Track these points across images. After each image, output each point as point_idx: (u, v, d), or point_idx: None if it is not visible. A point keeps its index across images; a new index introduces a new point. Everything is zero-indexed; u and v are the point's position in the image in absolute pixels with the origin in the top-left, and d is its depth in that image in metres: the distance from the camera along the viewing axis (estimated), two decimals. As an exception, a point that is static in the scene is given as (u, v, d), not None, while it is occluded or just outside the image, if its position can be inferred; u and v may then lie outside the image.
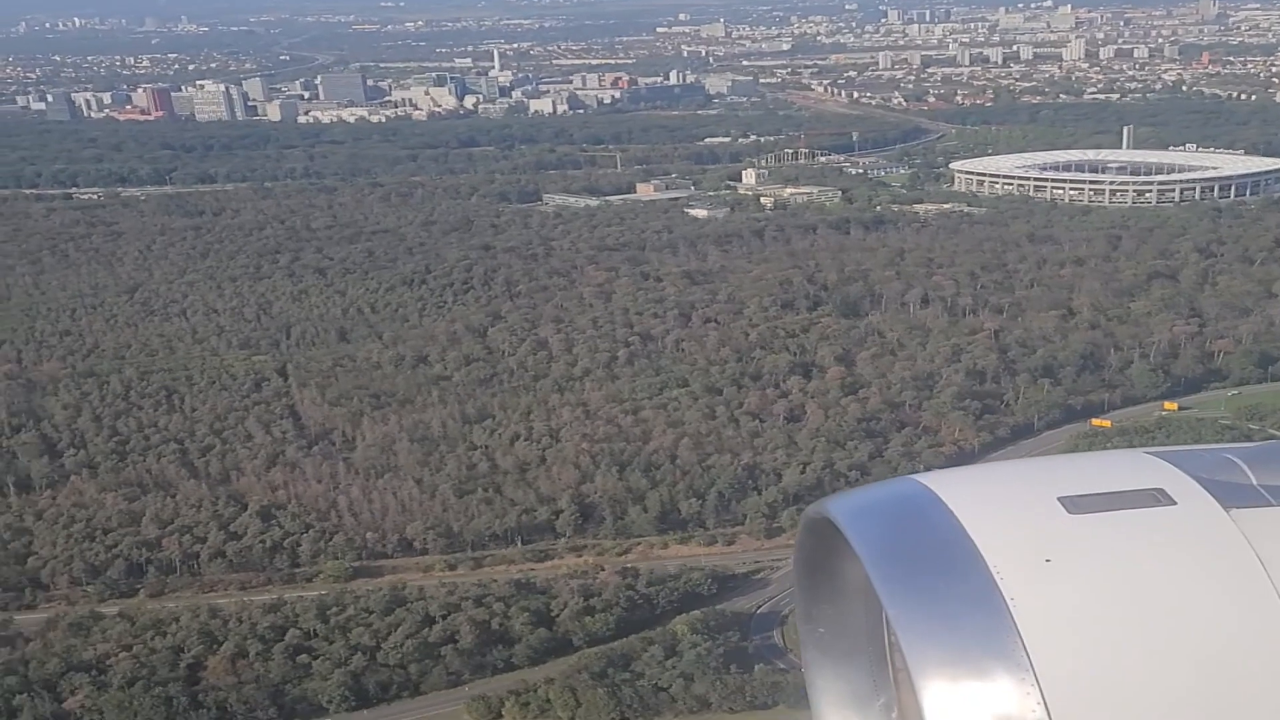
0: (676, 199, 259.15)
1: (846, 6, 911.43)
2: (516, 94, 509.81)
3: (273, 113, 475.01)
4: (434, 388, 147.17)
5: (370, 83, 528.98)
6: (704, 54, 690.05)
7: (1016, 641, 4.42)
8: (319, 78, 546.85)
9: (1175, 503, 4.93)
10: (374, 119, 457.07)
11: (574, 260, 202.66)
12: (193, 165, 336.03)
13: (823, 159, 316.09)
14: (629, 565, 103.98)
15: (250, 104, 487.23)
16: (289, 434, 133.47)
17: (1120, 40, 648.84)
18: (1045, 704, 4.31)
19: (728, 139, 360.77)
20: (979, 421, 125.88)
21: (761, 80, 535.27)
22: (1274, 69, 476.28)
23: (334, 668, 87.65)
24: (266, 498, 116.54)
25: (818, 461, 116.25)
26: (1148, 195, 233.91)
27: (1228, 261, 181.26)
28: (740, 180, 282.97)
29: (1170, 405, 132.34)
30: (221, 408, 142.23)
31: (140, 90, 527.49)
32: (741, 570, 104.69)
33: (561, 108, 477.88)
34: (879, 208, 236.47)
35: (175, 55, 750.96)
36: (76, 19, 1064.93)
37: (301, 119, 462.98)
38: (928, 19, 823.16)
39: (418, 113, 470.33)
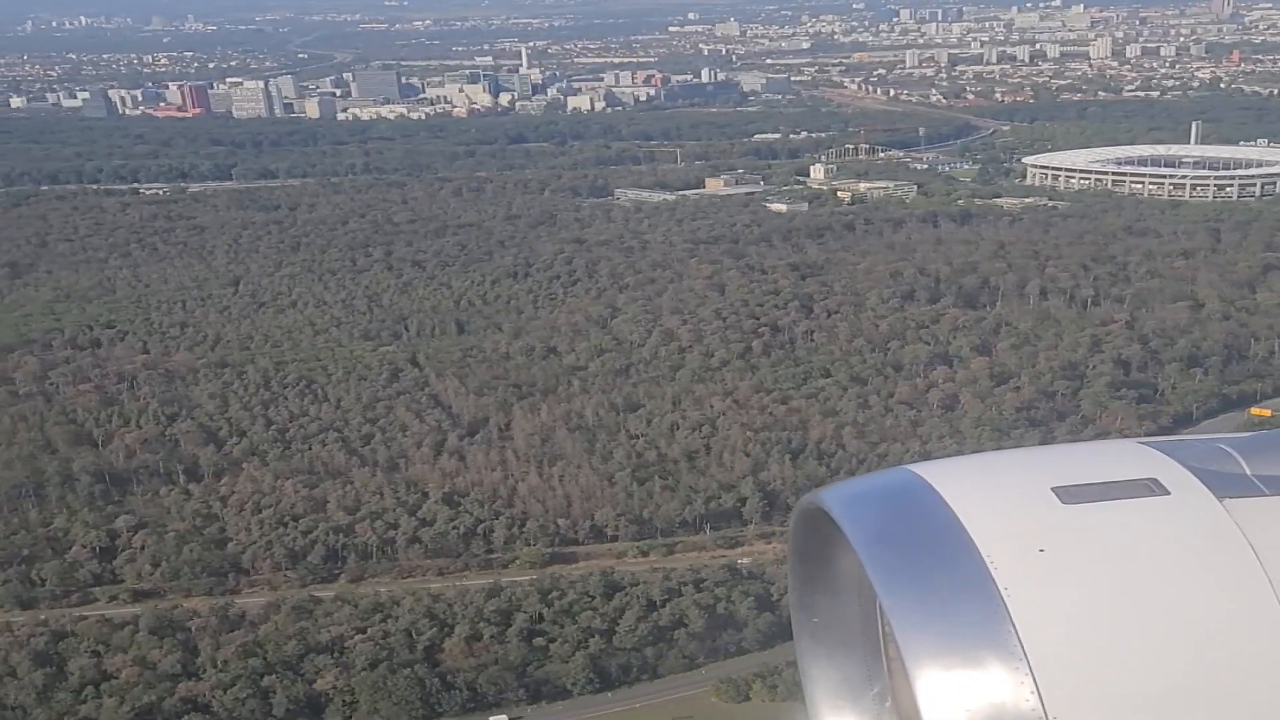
0: (752, 193, 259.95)
1: (854, 5, 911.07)
2: (551, 91, 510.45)
3: (311, 110, 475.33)
4: (571, 378, 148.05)
5: (403, 80, 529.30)
6: (724, 52, 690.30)
7: (1010, 631, 4.45)
8: (347, 75, 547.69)
9: (1169, 492, 4.97)
10: (414, 116, 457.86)
11: (670, 253, 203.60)
12: (250, 161, 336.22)
13: (882, 155, 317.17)
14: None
15: (285, 101, 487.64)
16: (445, 423, 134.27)
17: (1141, 39, 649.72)
18: (1039, 693, 4.35)
19: (777, 135, 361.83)
20: (1137, 411, 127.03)
21: (792, 79, 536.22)
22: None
23: (573, 650, 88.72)
24: (446, 484, 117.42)
25: (990, 450, 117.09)
26: (1228, 190, 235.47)
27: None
28: (808, 175, 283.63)
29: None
30: (367, 397, 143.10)
31: (174, 87, 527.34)
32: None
33: (599, 105, 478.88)
34: (960, 202, 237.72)
35: (191, 53, 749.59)
36: (83, 18, 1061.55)
37: (340, 116, 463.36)
38: (939, 18, 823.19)
39: (457, 110, 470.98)
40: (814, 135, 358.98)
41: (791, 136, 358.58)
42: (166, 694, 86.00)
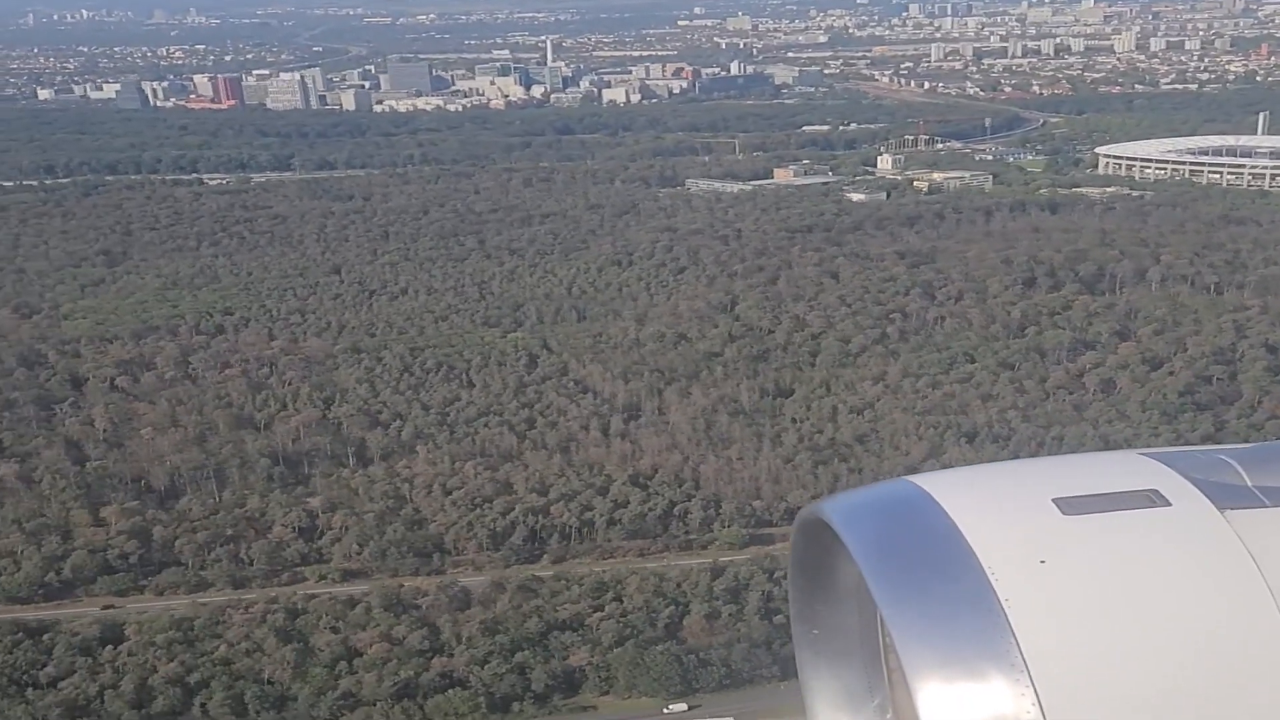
0: (826, 184, 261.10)
1: (859, 1, 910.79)
2: (584, 84, 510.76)
3: (347, 102, 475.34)
4: (710, 364, 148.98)
5: (433, 73, 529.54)
6: (742, 46, 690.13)
7: (1011, 642, 4.45)
8: (368, 67, 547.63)
9: (1170, 504, 4.99)
10: (451, 108, 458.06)
11: (768, 242, 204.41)
12: (304, 153, 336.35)
13: (939, 146, 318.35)
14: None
15: (318, 94, 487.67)
16: (602, 407, 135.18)
17: (1159, 34, 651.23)
18: (1040, 705, 4.35)
19: (826, 127, 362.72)
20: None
21: (824, 72, 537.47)
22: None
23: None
24: (627, 467, 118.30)
25: (1167, 433, 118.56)
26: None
27: None
28: (875, 166, 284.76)
29: None
30: (513, 382, 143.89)
31: (204, 79, 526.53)
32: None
33: (634, 97, 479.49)
34: (1042, 191, 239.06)
35: (204, 46, 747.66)
36: (84, 11, 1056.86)
37: (376, 108, 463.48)
38: (949, 13, 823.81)
39: (495, 102, 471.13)
40: (864, 127, 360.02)
41: (841, 128, 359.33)
42: (421, 669, 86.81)
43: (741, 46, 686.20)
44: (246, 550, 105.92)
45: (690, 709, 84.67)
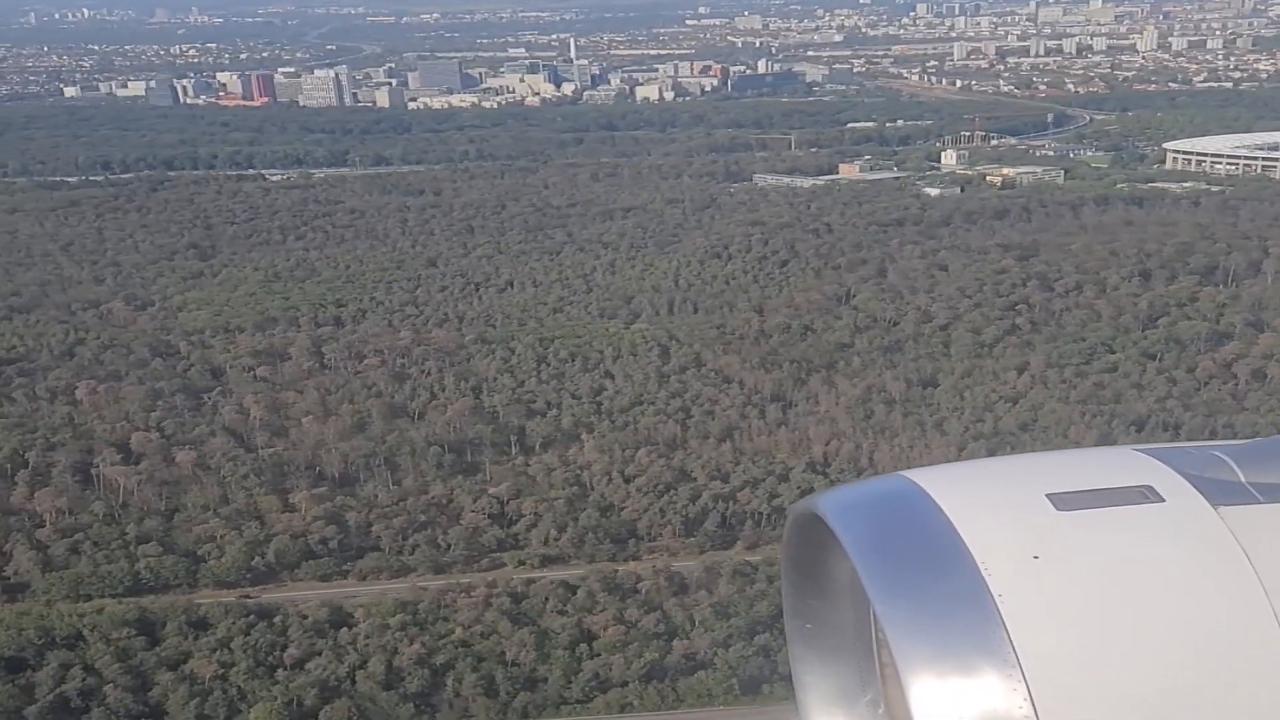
0: (898, 178, 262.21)
1: (861, 1, 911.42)
2: (614, 81, 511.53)
3: (380, 99, 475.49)
4: (844, 355, 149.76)
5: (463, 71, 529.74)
6: (759, 45, 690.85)
7: (1004, 638, 4.47)
8: (390, 65, 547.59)
9: (1163, 500, 5.00)
10: (486, 105, 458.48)
11: (862, 235, 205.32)
12: (359, 148, 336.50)
13: (994, 142, 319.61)
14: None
15: (352, 92, 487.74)
16: (753, 396, 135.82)
17: (1175, 33, 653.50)
18: (1032, 700, 4.37)
19: (872, 124, 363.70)
20: None
21: (854, 70, 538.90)
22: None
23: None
24: (802, 454, 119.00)
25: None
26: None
27: None
28: (939, 161, 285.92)
29: None
30: (652, 372, 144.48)
31: (231, 77, 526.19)
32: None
33: (668, 95, 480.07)
34: (1120, 186, 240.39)
35: (214, 45, 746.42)
36: (85, 10, 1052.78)
37: (411, 105, 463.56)
38: (955, 12, 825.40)
39: (531, 99, 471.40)
40: (911, 124, 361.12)
41: (888, 125, 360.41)
42: (664, 652, 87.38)
43: (758, 45, 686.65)
44: (443, 536, 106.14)
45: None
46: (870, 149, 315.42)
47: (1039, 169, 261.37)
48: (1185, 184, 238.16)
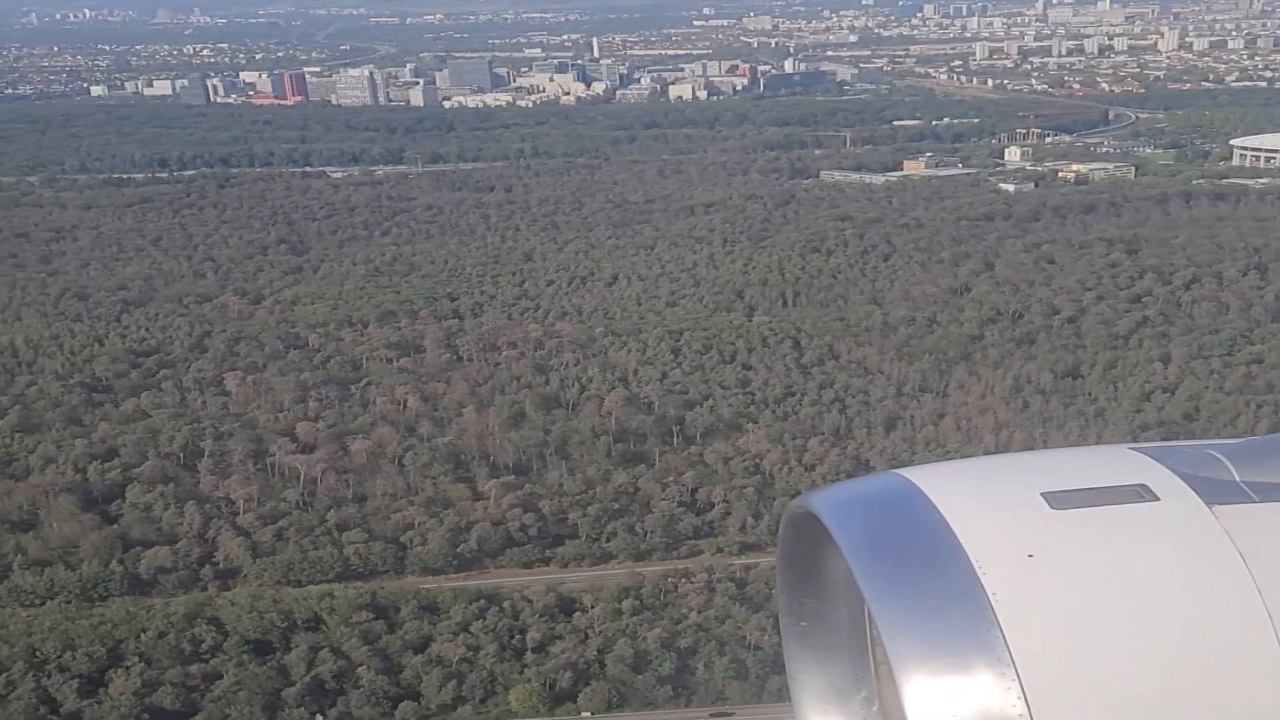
0: (972, 175, 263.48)
1: (864, 1, 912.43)
2: (645, 80, 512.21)
3: (415, 98, 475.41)
4: (975, 347, 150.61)
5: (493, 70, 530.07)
6: (774, 45, 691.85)
7: (998, 636, 4.47)
8: (410, 64, 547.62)
9: (1158, 499, 4.99)
10: (521, 104, 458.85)
11: (957, 230, 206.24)
12: (412, 146, 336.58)
13: (1049, 139, 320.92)
14: None
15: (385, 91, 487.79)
16: (903, 387, 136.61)
17: (1189, 33, 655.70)
18: (1026, 698, 4.37)
19: (918, 122, 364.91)
20: None
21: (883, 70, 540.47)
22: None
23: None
24: (978, 443, 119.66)
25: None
26: None
27: None
28: (1003, 158, 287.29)
29: None
30: (790, 363, 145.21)
31: (259, 76, 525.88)
32: None
33: (701, 94, 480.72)
34: (1198, 181, 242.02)
35: (226, 45, 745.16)
36: (86, 10, 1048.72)
37: (446, 104, 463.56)
38: (963, 13, 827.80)
39: (566, 98, 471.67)
40: (958, 122, 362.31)
41: (935, 123, 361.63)
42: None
43: (774, 45, 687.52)
44: (639, 523, 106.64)
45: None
46: (925, 146, 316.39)
47: (1109, 165, 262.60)
48: (1260, 180, 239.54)
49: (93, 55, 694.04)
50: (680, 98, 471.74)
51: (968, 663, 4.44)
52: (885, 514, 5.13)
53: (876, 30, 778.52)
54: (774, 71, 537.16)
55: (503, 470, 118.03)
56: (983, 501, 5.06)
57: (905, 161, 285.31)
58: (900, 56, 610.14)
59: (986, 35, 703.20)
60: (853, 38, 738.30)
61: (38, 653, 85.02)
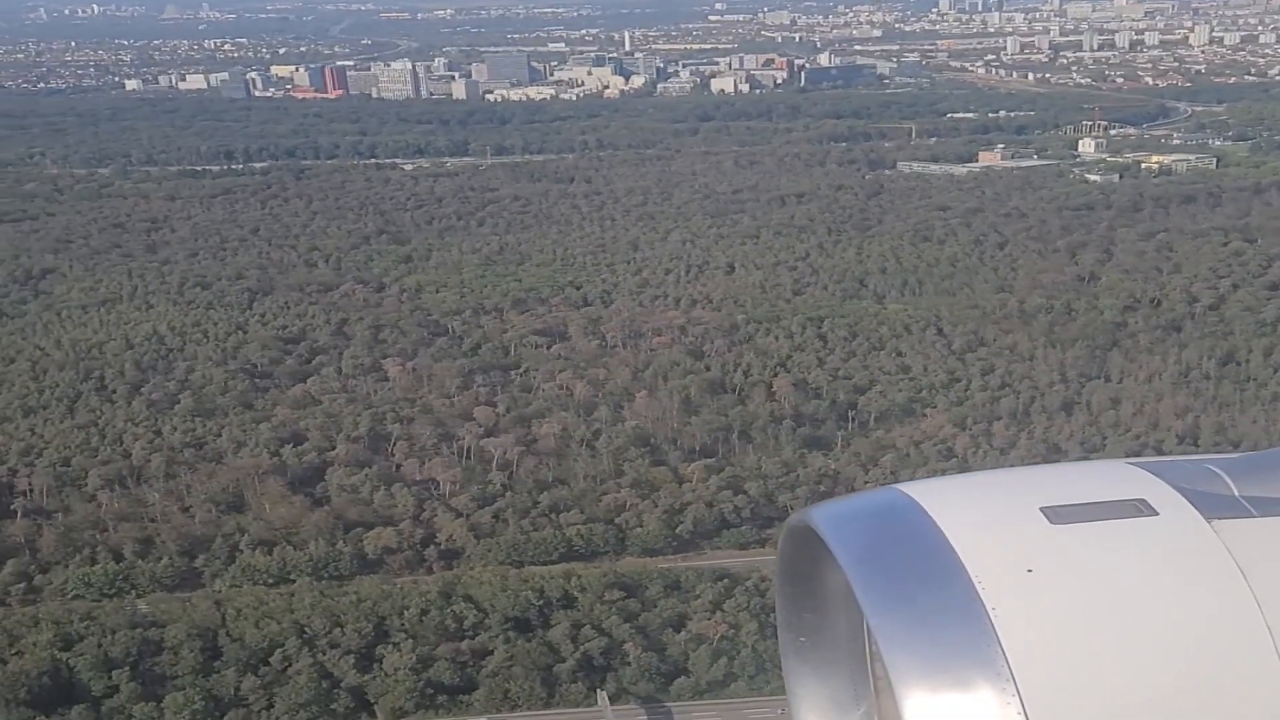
0: (1051, 165, 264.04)
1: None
2: (684, 74, 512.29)
3: (458, 91, 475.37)
4: (1120, 333, 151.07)
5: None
6: (798, 40, 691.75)
7: (998, 651, 4.45)
8: (439, 58, 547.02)
9: (1157, 513, 4.98)
10: (565, 97, 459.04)
11: (1058, 220, 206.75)
12: (474, 138, 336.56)
13: (1112, 132, 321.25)
14: None
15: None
16: (1067, 373, 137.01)
17: (1215, 28, 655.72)
18: (1026, 713, 4.34)
19: (974, 114, 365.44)
20: None
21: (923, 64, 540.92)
22: None
23: None
24: (1168, 429, 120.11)
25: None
26: None
27: None
28: (1077, 149, 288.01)
29: None
30: (941, 349, 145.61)
31: (295, 70, 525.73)
32: None
33: (743, 87, 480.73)
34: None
35: (245, 40, 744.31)
36: (95, 6, 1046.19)
37: (489, 98, 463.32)
38: (980, 8, 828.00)
39: (610, 91, 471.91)
40: (1014, 114, 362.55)
41: (990, 115, 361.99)
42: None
43: (798, 40, 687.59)
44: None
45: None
46: (990, 139, 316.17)
47: (1190, 157, 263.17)
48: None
49: (114, 50, 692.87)
50: (723, 91, 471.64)
51: (967, 678, 4.43)
52: (884, 529, 5.14)
53: (898, 25, 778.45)
54: (809, 65, 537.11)
55: (693, 454, 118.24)
56: (982, 516, 5.08)
57: (980, 153, 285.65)
58: (930, 51, 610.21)
59: (1011, 30, 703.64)
60: (876, 32, 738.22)
61: (306, 629, 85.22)
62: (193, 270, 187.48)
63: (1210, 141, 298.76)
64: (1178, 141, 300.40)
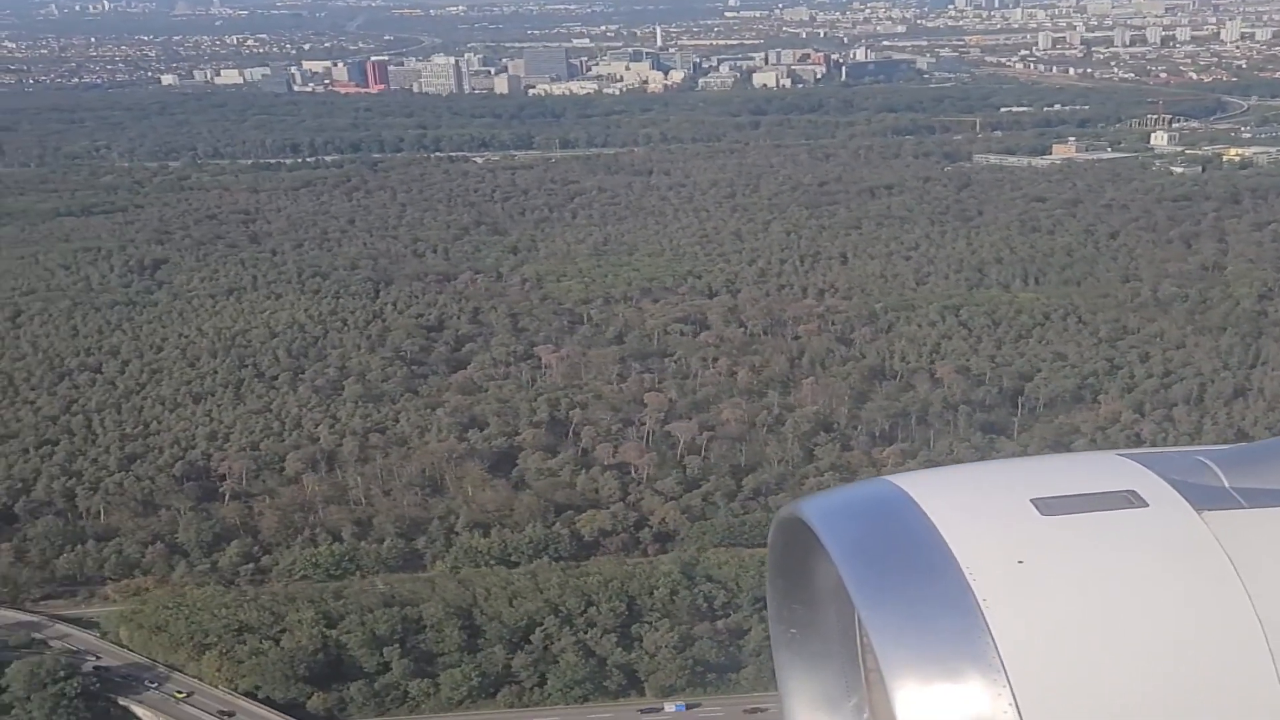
0: (1131, 158, 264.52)
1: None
2: (724, 68, 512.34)
3: (499, 86, 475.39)
4: (1264, 322, 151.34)
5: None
6: (823, 35, 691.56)
7: (989, 643, 4.45)
8: (467, 54, 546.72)
9: (1147, 505, 4.99)
10: (608, 91, 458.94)
11: (1162, 211, 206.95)
12: (535, 132, 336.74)
13: (1175, 126, 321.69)
14: None
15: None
16: (1230, 360, 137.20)
17: (1245, 24, 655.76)
18: (1016, 705, 4.36)
19: (1029, 109, 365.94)
20: None
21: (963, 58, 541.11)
22: None
23: None
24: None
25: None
26: None
27: None
28: (1149, 142, 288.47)
29: None
30: (1089, 338, 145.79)
31: (339, 65, 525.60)
32: None
33: (785, 82, 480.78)
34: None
35: (265, 36, 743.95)
36: (105, 2, 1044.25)
37: (531, 92, 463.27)
38: (994, 4, 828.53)
39: (653, 86, 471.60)
40: (1069, 109, 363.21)
41: (1046, 110, 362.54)
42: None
43: (823, 36, 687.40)
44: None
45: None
46: (1061, 132, 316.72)
47: (1270, 149, 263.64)
48: None
49: (137, 46, 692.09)
50: (765, 85, 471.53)
51: (958, 669, 4.41)
52: (875, 521, 5.09)
53: (919, 21, 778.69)
54: (847, 60, 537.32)
55: (875, 439, 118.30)
56: (973, 508, 5.04)
57: (1054, 145, 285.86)
58: (959, 46, 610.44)
59: (1035, 26, 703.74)
60: (900, 28, 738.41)
61: (560, 608, 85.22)
62: (304, 260, 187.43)
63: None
64: (1248, 135, 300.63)
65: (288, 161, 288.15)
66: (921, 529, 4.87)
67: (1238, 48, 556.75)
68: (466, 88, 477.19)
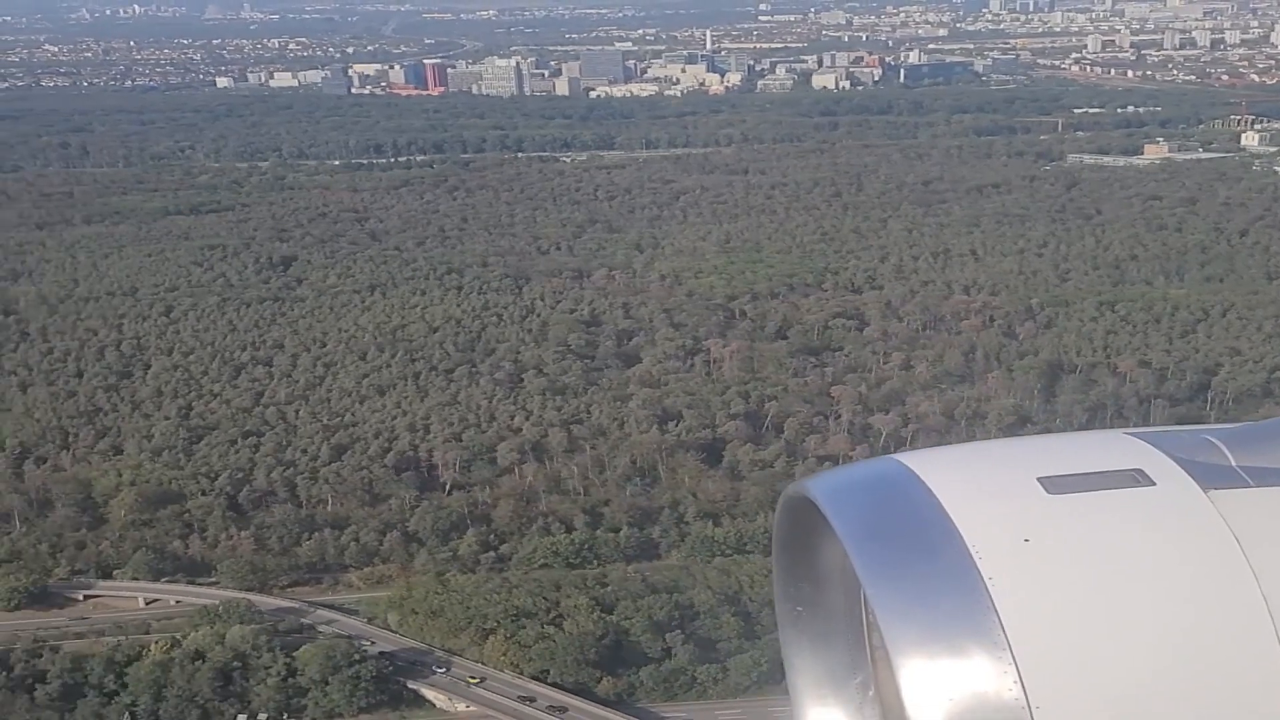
0: (1228, 158, 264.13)
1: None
2: (780, 71, 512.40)
3: (560, 88, 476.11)
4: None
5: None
6: (865, 38, 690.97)
7: (994, 620, 4.45)
8: (514, 56, 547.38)
9: (1154, 483, 4.98)
10: (669, 93, 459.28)
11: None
12: (617, 133, 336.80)
13: (1258, 126, 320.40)
14: None
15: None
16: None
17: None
18: (1022, 682, 4.36)
19: (1102, 110, 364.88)
20: None
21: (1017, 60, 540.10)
22: None
23: None
24: None
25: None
26: None
27: None
28: (1239, 142, 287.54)
29: None
30: (1259, 332, 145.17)
31: (395, 67, 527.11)
32: None
33: (844, 84, 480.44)
34: None
35: (305, 39, 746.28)
36: (136, 6, 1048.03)
37: (592, 95, 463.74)
38: (1030, 8, 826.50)
39: (715, 88, 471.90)
40: (1141, 110, 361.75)
41: (1119, 111, 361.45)
42: None
43: (864, 39, 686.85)
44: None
45: None
46: (1148, 133, 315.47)
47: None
48: None
49: (179, 50, 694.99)
50: (825, 88, 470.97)
51: (964, 647, 4.41)
52: (881, 499, 5.05)
53: (959, 25, 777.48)
54: (903, 63, 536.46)
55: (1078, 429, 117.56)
56: (979, 486, 4.98)
57: (1146, 145, 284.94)
58: (1006, 49, 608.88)
59: (1077, 29, 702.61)
60: (942, 31, 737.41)
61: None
62: (433, 258, 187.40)
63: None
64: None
65: (380, 162, 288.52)
66: (927, 507, 4.84)
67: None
68: (527, 90, 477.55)
